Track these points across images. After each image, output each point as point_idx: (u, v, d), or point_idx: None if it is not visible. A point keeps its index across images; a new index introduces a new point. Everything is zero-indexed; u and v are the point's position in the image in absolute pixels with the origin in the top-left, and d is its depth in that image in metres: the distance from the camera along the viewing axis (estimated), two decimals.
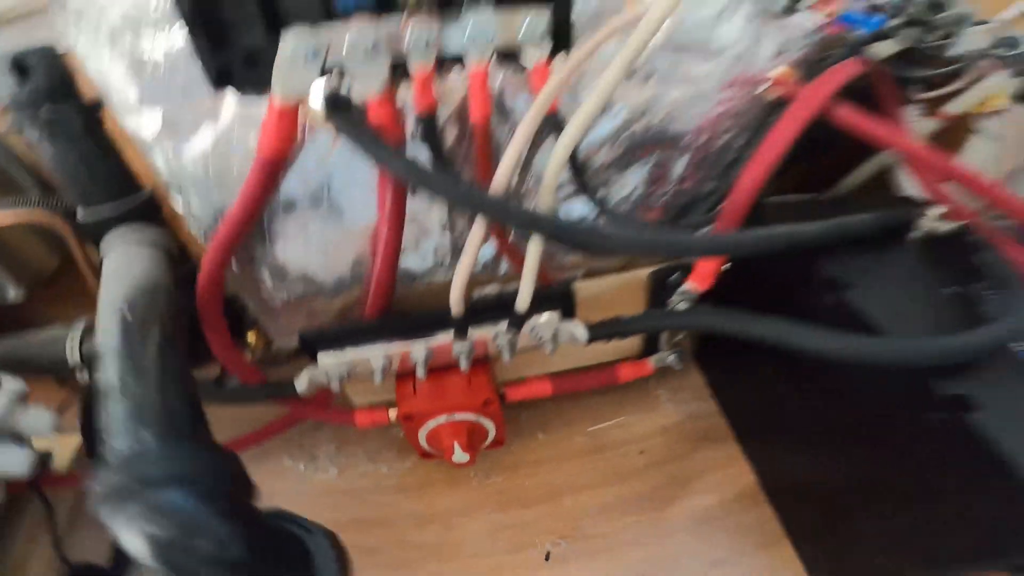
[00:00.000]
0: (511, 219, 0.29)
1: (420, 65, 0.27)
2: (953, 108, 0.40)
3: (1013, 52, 0.38)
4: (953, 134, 0.42)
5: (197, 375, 0.36)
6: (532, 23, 0.28)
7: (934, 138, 0.42)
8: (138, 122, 0.33)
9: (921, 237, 0.36)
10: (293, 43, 0.25)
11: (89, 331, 0.42)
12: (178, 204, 0.36)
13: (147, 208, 0.39)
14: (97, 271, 0.41)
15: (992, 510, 0.26)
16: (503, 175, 0.29)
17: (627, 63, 0.25)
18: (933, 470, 0.29)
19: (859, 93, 0.35)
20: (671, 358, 0.49)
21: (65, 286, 0.52)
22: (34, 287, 0.55)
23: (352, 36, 0.25)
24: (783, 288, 0.39)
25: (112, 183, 0.37)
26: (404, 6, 0.26)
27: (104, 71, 0.33)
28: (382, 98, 0.27)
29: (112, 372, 0.24)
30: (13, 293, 0.57)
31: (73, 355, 0.42)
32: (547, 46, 0.29)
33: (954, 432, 0.26)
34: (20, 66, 0.33)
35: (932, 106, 0.41)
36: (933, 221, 0.36)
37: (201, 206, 0.34)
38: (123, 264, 0.35)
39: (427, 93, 0.28)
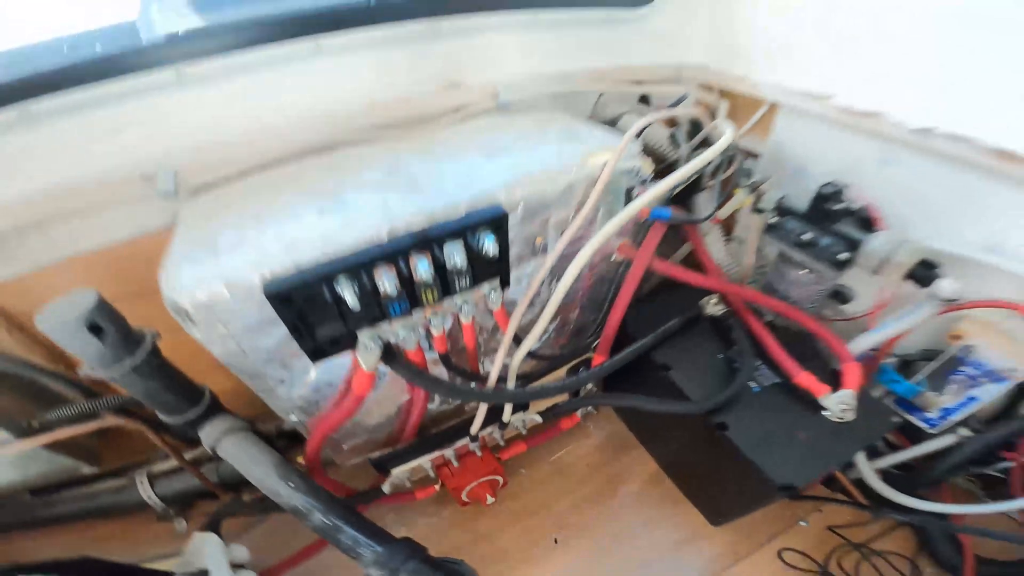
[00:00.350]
0: (481, 399, 0.55)
1: (437, 330, 0.50)
2: (722, 214, 0.68)
3: (751, 181, 0.65)
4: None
5: None
6: (491, 289, 0.52)
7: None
8: None
9: (708, 317, 0.66)
10: (366, 338, 0.47)
11: (153, 477, 0.63)
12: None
13: (214, 404, 0.54)
14: (175, 449, 0.60)
15: (737, 475, 0.56)
16: (492, 377, 0.54)
17: (557, 304, 0.50)
18: (718, 458, 0.59)
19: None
20: (589, 408, 0.78)
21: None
22: None
23: (399, 328, 0.48)
24: (643, 371, 0.67)
25: (185, 395, 0.50)
26: (425, 304, 0.49)
27: None
28: (416, 350, 0.50)
29: (319, 518, 0.45)
30: (87, 469, 0.72)
31: (153, 499, 0.61)
32: (499, 299, 0.53)
33: (721, 440, 0.55)
34: (94, 327, 0.39)
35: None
36: (713, 307, 0.66)
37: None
38: (243, 451, 0.52)
39: (442, 343, 0.51)
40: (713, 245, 0.72)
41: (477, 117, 0.64)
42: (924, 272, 0.51)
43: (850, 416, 0.52)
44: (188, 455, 0.66)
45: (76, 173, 0.53)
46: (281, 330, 0.44)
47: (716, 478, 0.64)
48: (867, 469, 0.65)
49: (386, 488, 0.65)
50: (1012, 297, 0.53)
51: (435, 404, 0.67)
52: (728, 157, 0.62)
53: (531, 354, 0.63)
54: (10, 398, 0.63)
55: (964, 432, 0.62)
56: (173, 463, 0.66)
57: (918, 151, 0.56)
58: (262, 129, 0.57)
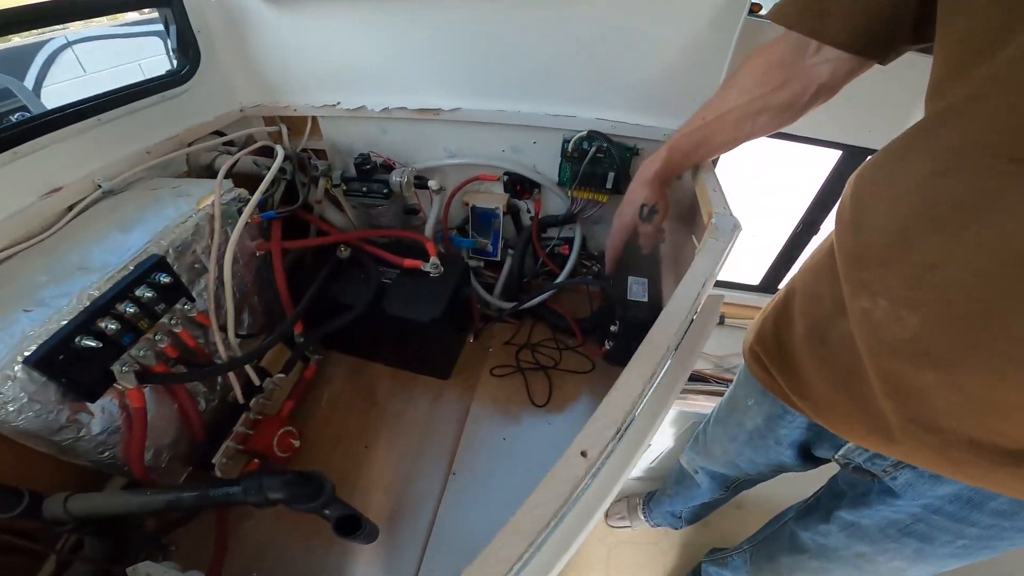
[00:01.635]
0: (214, 372, 0.78)
1: (163, 343, 0.70)
2: (318, 196, 1.04)
3: (320, 171, 1.02)
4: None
5: None
6: (183, 305, 0.74)
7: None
8: None
9: (344, 260, 1.00)
10: (118, 367, 0.64)
11: None
12: None
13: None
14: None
15: (418, 336, 0.94)
16: (222, 355, 0.77)
17: (232, 299, 0.75)
18: (402, 333, 0.95)
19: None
20: (317, 356, 1.06)
21: None
22: None
23: (137, 352, 0.66)
24: (334, 311, 0.98)
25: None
26: (145, 331, 0.68)
27: None
28: (158, 364, 0.69)
29: (189, 496, 0.63)
30: None
31: None
32: (193, 309, 0.75)
33: (390, 319, 0.91)
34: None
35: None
36: (343, 252, 1.00)
37: None
38: (90, 498, 0.63)
39: (172, 351, 0.71)
40: (333, 216, 1.07)
41: (93, 207, 0.79)
42: (421, 182, 0.95)
43: (440, 269, 0.93)
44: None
45: None
46: (55, 389, 0.58)
47: (418, 348, 0.98)
48: (491, 298, 1.13)
49: (219, 473, 0.79)
50: (471, 175, 1.04)
51: (203, 405, 0.82)
52: (300, 160, 0.95)
53: (246, 335, 0.87)
54: None
55: (510, 250, 1.14)
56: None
57: (391, 120, 1.00)
58: None
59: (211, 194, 0.79)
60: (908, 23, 0.47)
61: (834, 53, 0.53)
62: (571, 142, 0.94)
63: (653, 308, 0.84)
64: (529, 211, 1.12)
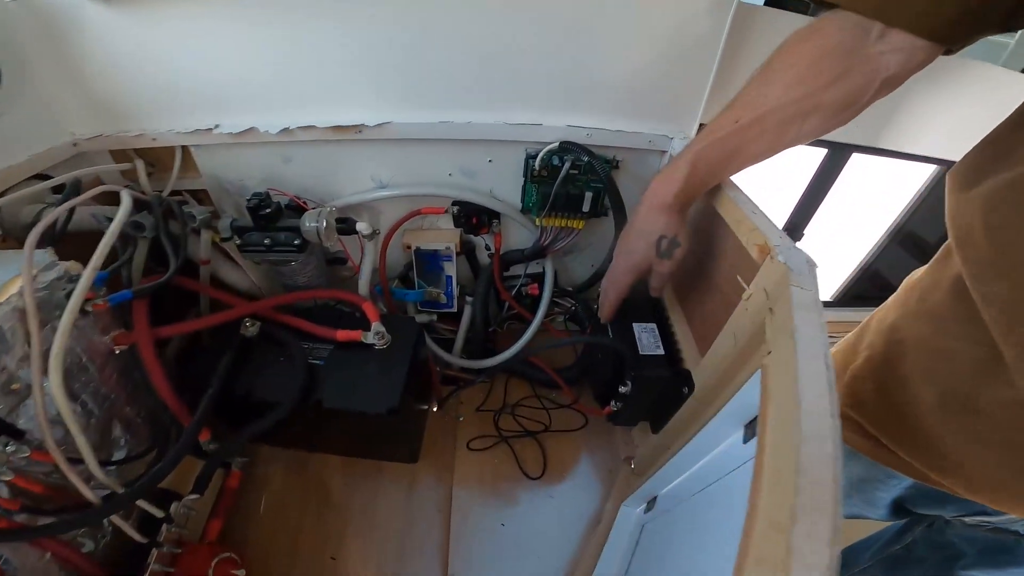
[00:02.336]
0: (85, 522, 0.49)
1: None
2: (203, 255, 0.76)
3: (198, 220, 0.75)
4: None
5: None
6: (6, 445, 0.44)
7: None
8: None
9: (253, 336, 0.74)
10: None
11: None
12: None
13: None
14: None
15: (373, 424, 0.69)
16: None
17: (74, 422, 0.47)
18: (356, 421, 0.70)
19: None
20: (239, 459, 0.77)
21: None
22: None
23: None
24: (244, 407, 0.71)
25: None
26: None
27: None
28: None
29: None
30: None
31: None
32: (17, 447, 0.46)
33: (329, 412, 0.66)
34: None
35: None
36: (250, 328, 0.73)
37: None
38: None
39: (10, 503, 0.41)
40: (232, 276, 0.80)
41: None
42: (345, 225, 0.71)
43: (388, 337, 0.70)
44: None
45: None
46: None
47: (375, 434, 0.76)
48: (451, 358, 0.91)
49: None
50: (410, 209, 0.82)
51: (91, 547, 0.54)
52: (166, 207, 0.68)
53: (124, 460, 0.58)
54: None
55: (468, 297, 0.92)
56: None
57: (296, 144, 0.76)
58: None
59: (17, 277, 0.51)
60: (1005, 9, 0.39)
61: (906, 40, 0.43)
62: (538, 158, 0.75)
63: (672, 362, 0.67)
64: (488, 248, 0.92)
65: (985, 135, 0.50)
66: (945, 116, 0.96)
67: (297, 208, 0.74)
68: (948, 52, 0.44)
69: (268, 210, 0.71)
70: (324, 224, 0.70)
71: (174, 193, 0.77)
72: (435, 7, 0.65)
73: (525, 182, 0.80)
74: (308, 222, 0.70)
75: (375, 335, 0.69)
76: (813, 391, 0.33)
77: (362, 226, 0.73)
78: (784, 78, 0.48)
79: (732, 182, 0.60)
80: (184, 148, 0.78)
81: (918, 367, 0.46)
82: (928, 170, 1.16)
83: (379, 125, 0.74)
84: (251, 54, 0.69)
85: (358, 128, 0.74)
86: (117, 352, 0.62)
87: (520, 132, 0.75)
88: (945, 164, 1.07)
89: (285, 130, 0.74)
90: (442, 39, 0.68)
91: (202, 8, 0.65)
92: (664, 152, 0.79)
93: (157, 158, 0.80)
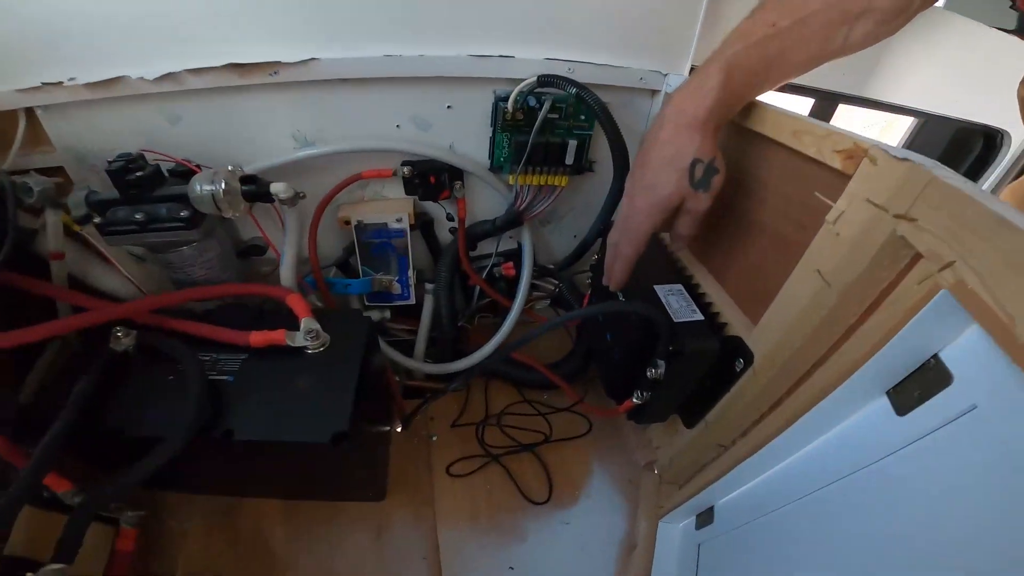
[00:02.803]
0: None
1: None
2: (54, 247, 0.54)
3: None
4: None
5: None
6: None
7: None
8: None
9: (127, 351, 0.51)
10: None
11: None
12: None
13: None
14: None
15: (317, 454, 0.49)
16: None
17: None
18: (290, 455, 0.49)
19: None
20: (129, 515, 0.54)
21: None
22: None
23: None
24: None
25: None
26: None
27: None
28: None
29: None
30: None
31: None
32: None
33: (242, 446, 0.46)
34: None
35: None
36: (123, 339, 0.51)
37: None
38: None
39: None
40: (102, 276, 0.57)
41: None
42: (255, 187, 0.52)
43: (324, 337, 0.51)
44: None
45: None
46: None
47: (322, 470, 0.57)
48: (413, 363, 0.72)
49: None
50: (347, 172, 0.63)
51: None
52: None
53: None
54: None
55: (428, 285, 0.74)
56: None
57: (185, 96, 0.56)
58: None
59: None
60: None
61: None
62: (510, 98, 0.59)
63: (716, 329, 0.52)
64: (450, 218, 0.74)
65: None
66: (926, 68, 0.92)
67: (186, 173, 0.53)
68: None
69: (140, 173, 0.50)
70: (223, 186, 0.50)
71: (18, 173, 0.54)
72: None
73: (494, 132, 0.63)
74: (200, 185, 0.50)
75: (306, 335, 0.50)
76: None
77: (279, 187, 0.53)
78: None
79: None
80: (28, 112, 0.55)
81: None
82: (907, 122, 1.13)
83: (301, 63, 0.55)
84: None
85: (272, 68, 0.55)
86: None
87: (487, 67, 0.59)
88: (923, 115, 1.03)
89: (168, 76, 0.53)
90: None
91: None
92: (657, 92, 0.66)
93: None
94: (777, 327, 0.44)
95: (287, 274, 0.59)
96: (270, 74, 0.55)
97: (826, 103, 0.93)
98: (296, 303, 0.53)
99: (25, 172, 0.54)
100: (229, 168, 0.52)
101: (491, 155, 0.66)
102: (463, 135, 0.66)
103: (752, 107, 0.48)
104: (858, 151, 0.36)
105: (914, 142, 1.12)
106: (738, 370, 0.48)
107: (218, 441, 0.46)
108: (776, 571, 0.42)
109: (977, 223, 0.25)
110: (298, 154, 0.61)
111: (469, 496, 0.65)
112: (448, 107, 0.63)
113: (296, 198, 0.54)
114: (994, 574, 0.25)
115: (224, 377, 0.51)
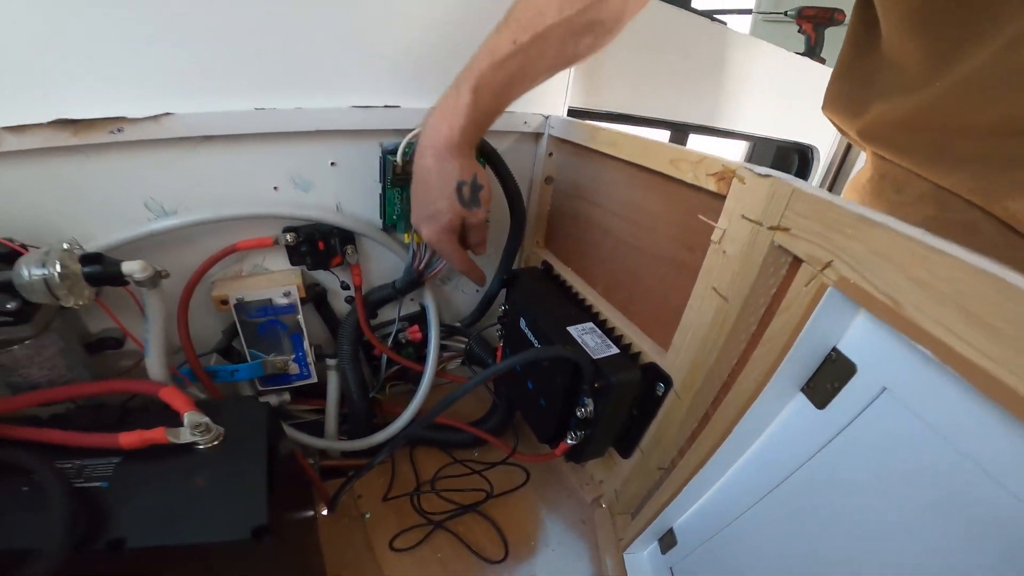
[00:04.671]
0: None
1: None
2: None
3: None
4: None
5: None
6: None
7: None
8: None
9: None
10: None
11: None
12: None
13: None
14: None
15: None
16: None
17: None
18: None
19: None
20: None
21: None
22: None
23: None
24: None
25: None
26: None
27: None
28: None
29: None
30: None
31: None
32: None
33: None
34: None
35: None
36: None
37: None
38: None
39: None
40: None
41: None
42: (100, 268, 0.45)
43: (217, 429, 0.44)
44: None
45: None
46: None
47: (243, 572, 0.46)
48: (326, 443, 0.65)
49: None
50: (220, 244, 0.57)
51: None
52: None
53: None
54: None
55: (330, 360, 0.68)
56: None
57: (7, 160, 0.48)
58: None
59: None
60: None
61: None
62: (399, 151, 0.57)
63: (633, 359, 0.54)
64: (346, 286, 0.70)
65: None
66: (751, 96, 1.10)
67: (9, 255, 0.44)
68: None
69: None
70: (58, 269, 0.42)
71: None
72: None
73: (384, 188, 0.61)
74: (28, 269, 0.41)
75: (193, 429, 0.43)
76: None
77: (133, 266, 0.46)
78: None
79: (627, 135, 0.53)
80: None
81: None
82: (742, 146, 1.33)
83: (151, 118, 0.49)
84: None
85: (115, 124, 0.48)
86: None
87: (372, 118, 0.59)
88: (753, 139, 1.23)
89: None
90: None
91: None
92: (541, 135, 0.71)
93: None
94: (688, 348, 0.47)
95: (155, 366, 0.50)
96: (112, 131, 0.48)
97: (679, 134, 1.06)
98: (172, 396, 0.45)
99: None
100: (65, 247, 0.44)
101: (383, 213, 0.63)
102: (351, 194, 0.63)
103: (622, 140, 0.53)
104: (728, 172, 0.41)
105: (749, 163, 1.33)
106: (660, 394, 0.50)
107: (105, 555, 0.37)
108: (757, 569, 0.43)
109: (841, 223, 0.30)
110: (153, 226, 0.53)
111: (421, 569, 0.59)
112: (332, 164, 0.61)
113: (157, 278, 0.47)
114: (942, 541, 0.28)
115: (95, 484, 0.41)
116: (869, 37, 0.55)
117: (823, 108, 0.62)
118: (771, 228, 0.36)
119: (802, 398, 0.36)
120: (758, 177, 0.37)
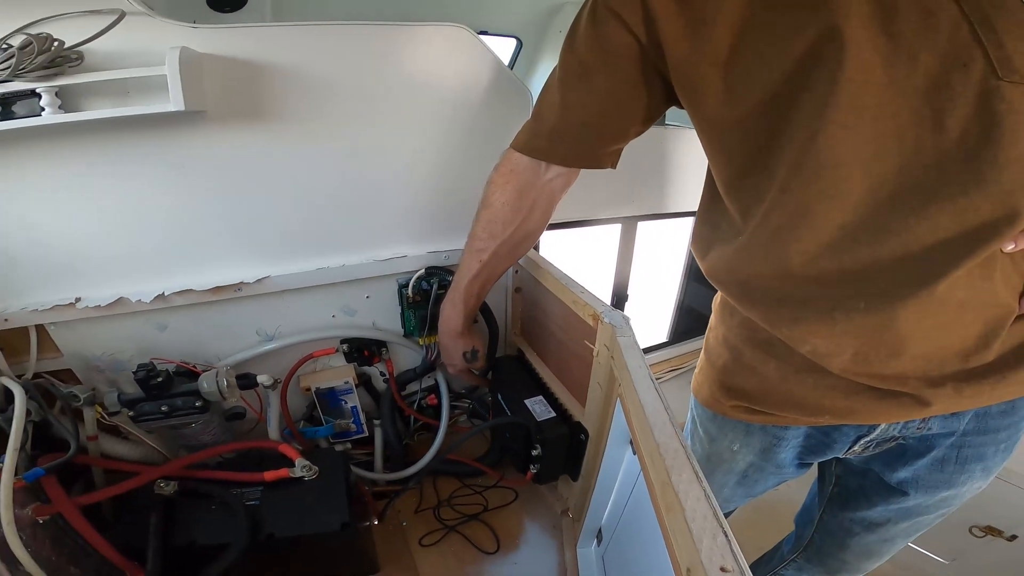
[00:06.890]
0: None
1: None
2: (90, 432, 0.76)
3: (80, 400, 0.76)
4: None
5: None
6: None
7: None
8: None
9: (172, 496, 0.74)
10: None
11: None
12: None
13: None
14: None
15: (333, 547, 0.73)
16: None
17: None
18: (318, 547, 0.73)
19: None
20: None
21: None
22: None
23: None
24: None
25: None
26: None
27: None
28: None
29: None
30: None
31: None
32: None
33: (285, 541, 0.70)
34: None
35: None
36: (165, 488, 0.73)
37: None
38: None
39: None
40: (120, 449, 0.79)
41: None
42: (245, 381, 0.79)
43: (314, 468, 0.75)
44: None
45: None
46: None
47: (331, 555, 0.79)
48: (375, 475, 0.97)
49: None
50: (300, 354, 0.93)
51: None
52: (43, 390, 0.69)
53: None
54: None
55: (376, 421, 1.02)
56: None
57: (171, 310, 0.81)
58: None
59: None
60: (619, 132, 0.68)
61: (561, 169, 0.71)
62: (409, 286, 0.92)
63: (565, 419, 0.86)
64: (383, 374, 1.04)
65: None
66: (683, 178, 1.37)
67: (187, 372, 0.79)
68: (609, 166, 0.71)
69: (158, 380, 0.75)
70: (225, 383, 0.77)
71: (36, 377, 0.75)
72: (292, 170, 0.78)
73: (402, 309, 0.95)
74: (207, 384, 0.76)
75: (302, 468, 0.76)
76: (649, 398, 0.52)
77: (263, 378, 0.81)
78: (502, 216, 0.74)
79: (554, 275, 0.84)
80: (39, 328, 0.75)
81: (755, 357, 0.69)
82: (690, 221, 1.60)
83: (258, 281, 0.81)
84: (103, 220, 0.72)
85: (237, 287, 0.80)
86: (40, 521, 0.62)
87: (389, 266, 0.92)
88: (692, 214, 1.49)
89: (159, 297, 0.77)
90: (305, 196, 0.81)
91: (45, 175, 0.67)
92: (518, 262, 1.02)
93: (6, 343, 0.73)
94: (591, 412, 0.78)
95: (274, 432, 0.85)
96: (236, 291, 0.83)
97: (630, 223, 1.35)
98: (287, 450, 0.78)
99: (39, 376, 0.75)
100: (226, 368, 0.80)
101: (403, 326, 0.97)
102: (381, 315, 0.97)
103: (550, 279, 0.85)
104: (596, 314, 0.72)
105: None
106: (583, 439, 0.82)
107: (261, 543, 0.70)
108: (633, 561, 0.67)
109: (622, 357, 0.60)
110: (264, 347, 0.90)
111: (440, 558, 0.88)
112: (367, 297, 0.95)
113: (275, 385, 0.83)
114: None
115: (252, 502, 0.74)
116: (716, 190, 0.65)
117: (690, 244, 0.82)
118: (610, 354, 0.67)
119: (628, 449, 0.66)
120: (604, 321, 0.68)
